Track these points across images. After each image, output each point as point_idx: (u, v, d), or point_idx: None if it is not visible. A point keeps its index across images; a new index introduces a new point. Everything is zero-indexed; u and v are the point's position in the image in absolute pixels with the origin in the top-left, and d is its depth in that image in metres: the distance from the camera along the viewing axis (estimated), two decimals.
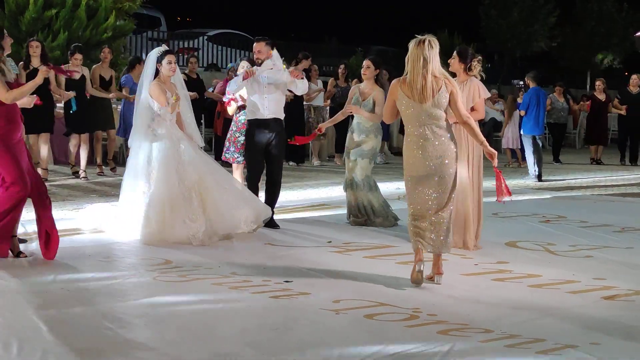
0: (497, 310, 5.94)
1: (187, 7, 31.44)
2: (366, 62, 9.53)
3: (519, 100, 17.11)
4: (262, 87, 9.06)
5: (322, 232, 9.26)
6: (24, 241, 7.61)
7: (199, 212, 8.25)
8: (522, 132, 16.18)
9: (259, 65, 9.04)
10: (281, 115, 9.36)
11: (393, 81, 6.90)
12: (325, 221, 10.06)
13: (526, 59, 28.13)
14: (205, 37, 26.09)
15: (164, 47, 8.86)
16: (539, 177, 15.17)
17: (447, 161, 6.70)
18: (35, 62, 11.53)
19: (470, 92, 8.27)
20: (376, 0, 34.38)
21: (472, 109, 8.11)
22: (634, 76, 19.25)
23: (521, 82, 17.08)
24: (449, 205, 6.75)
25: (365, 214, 9.60)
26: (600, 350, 4.91)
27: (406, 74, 6.67)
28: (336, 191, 12.14)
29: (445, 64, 7.17)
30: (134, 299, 6.08)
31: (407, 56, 6.71)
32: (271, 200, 9.37)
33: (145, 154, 8.44)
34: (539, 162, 15.40)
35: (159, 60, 8.45)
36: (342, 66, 17.60)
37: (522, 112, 15.96)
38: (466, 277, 7.10)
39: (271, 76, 9.15)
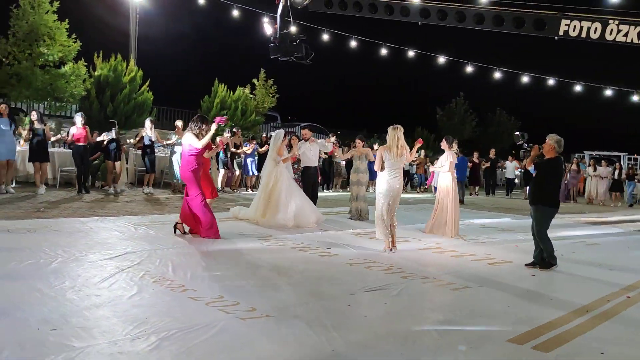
0: (432, 267, 6.70)
1: (291, 110, 35.83)
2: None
3: None
4: (311, 150, 10.35)
5: (348, 223, 10.08)
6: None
7: (291, 211, 9.22)
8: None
9: (306, 140, 10.39)
10: (317, 164, 10.68)
11: (380, 147, 8.13)
12: (345, 218, 10.78)
13: (460, 142, 31.62)
14: (299, 126, 29.04)
15: (283, 130, 9.96)
16: (462, 202, 15.74)
17: (400, 187, 7.84)
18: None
19: (451, 156, 9.45)
20: (382, 109, 40.14)
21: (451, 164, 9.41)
22: (491, 150, 21.34)
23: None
24: (395, 211, 7.78)
25: (361, 213, 10.64)
26: (482, 289, 5.71)
27: (387, 144, 7.90)
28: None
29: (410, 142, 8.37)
30: (251, 251, 6.83)
31: (388, 134, 7.87)
32: (314, 202, 10.34)
33: (270, 179, 9.40)
34: (463, 194, 16.27)
35: (284, 136, 9.64)
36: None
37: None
38: (419, 250, 7.88)
39: (316, 146, 10.53)
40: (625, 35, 9.72)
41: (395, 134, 7.78)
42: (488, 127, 37.01)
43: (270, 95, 23.25)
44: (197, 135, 7.58)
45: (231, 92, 20.93)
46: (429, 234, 9.31)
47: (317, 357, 3.59)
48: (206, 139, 7.57)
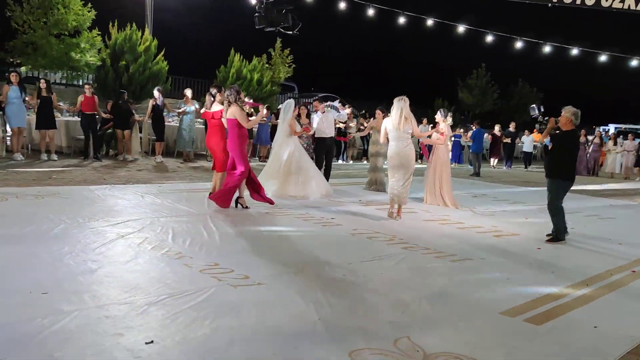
0: (435, 238, 6.63)
1: (309, 81, 34.92)
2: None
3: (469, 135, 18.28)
4: (324, 121, 10.22)
5: (357, 194, 10.00)
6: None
7: (302, 183, 9.19)
8: (471, 150, 17.12)
9: (317, 112, 10.24)
10: (333, 134, 10.55)
11: (384, 119, 8.03)
12: (357, 189, 10.74)
13: (481, 114, 31.30)
14: (315, 97, 28.30)
15: (293, 100, 9.81)
16: (478, 174, 15.76)
17: (409, 157, 7.72)
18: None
19: (446, 129, 9.35)
20: (401, 80, 38.86)
21: (442, 134, 9.35)
22: (512, 123, 20.66)
23: (470, 125, 18.59)
24: (408, 181, 7.73)
25: (381, 184, 10.55)
26: (483, 261, 5.68)
27: (390, 114, 7.81)
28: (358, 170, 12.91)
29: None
30: (255, 220, 6.90)
31: (392, 105, 7.75)
32: (327, 174, 10.32)
33: (282, 150, 9.30)
34: (479, 166, 16.01)
35: (295, 105, 9.48)
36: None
37: (471, 141, 17.00)
38: (424, 222, 7.79)
39: (330, 116, 10.40)
40: (622, 1, 9.37)
41: (399, 105, 7.67)
42: (510, 99, 36.27)
43: (287, 65, 23.04)
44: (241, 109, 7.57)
45: (247, 62, 20.77)
46: (430, 205, 9.31)
47: (301, 324, 3.59)
48: (256, 121, 8.21)
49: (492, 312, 4.09)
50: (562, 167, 6.78)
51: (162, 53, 17.96)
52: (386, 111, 10.21)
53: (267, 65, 22.10)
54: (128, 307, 3.65)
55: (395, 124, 7.62)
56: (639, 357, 3.47)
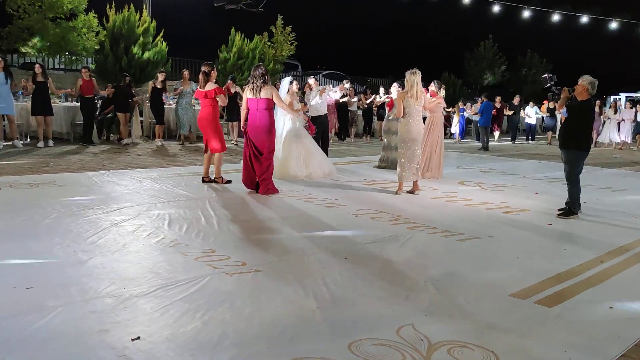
0: (442, 216, 6.40)
1: (312, 58, 34.03)
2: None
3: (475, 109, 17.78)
4: (320, 99, 10.02)
5: (361, 172, 9.80)
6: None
7: (303, 163, 8.96)
8: (479, 125, 16.69)
9: (311, 91, 10.00)
10: (326, 112, 10.37)
11: (400, 93, 7.97)
12: (361, 168, 10.53)
13: (488, 86, 31.06)
14: (321, 74, 27.75)
15: (291, 77, 9.50)
16: (486, 148, 15.35)
17: (421, 131, 7.74)
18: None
19: (438, 101, 9.28)
20: (407, 54, 38.02)
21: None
22: (516, 96, 20.23)
23: (478, 98, 18.19)
24: (419, 154, 7.74)
25: (393, 163, 10.32)
26: (491, 239, 5.43)
27: (406, 89, 7.71)
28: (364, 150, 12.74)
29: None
30: (255, 203, 6.68)
31: (406, 79, 7.66)
32: (325, 152, 9.93)
33: (280, 130, 8.86)
34: (487, 140, 15.65)
35: (291, 82, 9.09)
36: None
37: (479, 114, 16.57)
38: (431, 199, 7.55)
39: (324, 95, 10.19)
40: None
41: (414, 79, 7.60)
42: (518, 70, 35.53)
43: (289, 43, 22.61)
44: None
45: (248, 41, 20.39)
46: (428, 179, 9.24)
47: (299, 314, 3.40)
48: (297, 111, 8.59)
49: (502, 294, 3.88)
50: (578, 137, 6.61)
51: (162, 34, 17.65)
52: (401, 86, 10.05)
53: (269, 44, 21.72)
54: (116, 301, 3.48)
55: (414, 98, 7.62)
56: None
